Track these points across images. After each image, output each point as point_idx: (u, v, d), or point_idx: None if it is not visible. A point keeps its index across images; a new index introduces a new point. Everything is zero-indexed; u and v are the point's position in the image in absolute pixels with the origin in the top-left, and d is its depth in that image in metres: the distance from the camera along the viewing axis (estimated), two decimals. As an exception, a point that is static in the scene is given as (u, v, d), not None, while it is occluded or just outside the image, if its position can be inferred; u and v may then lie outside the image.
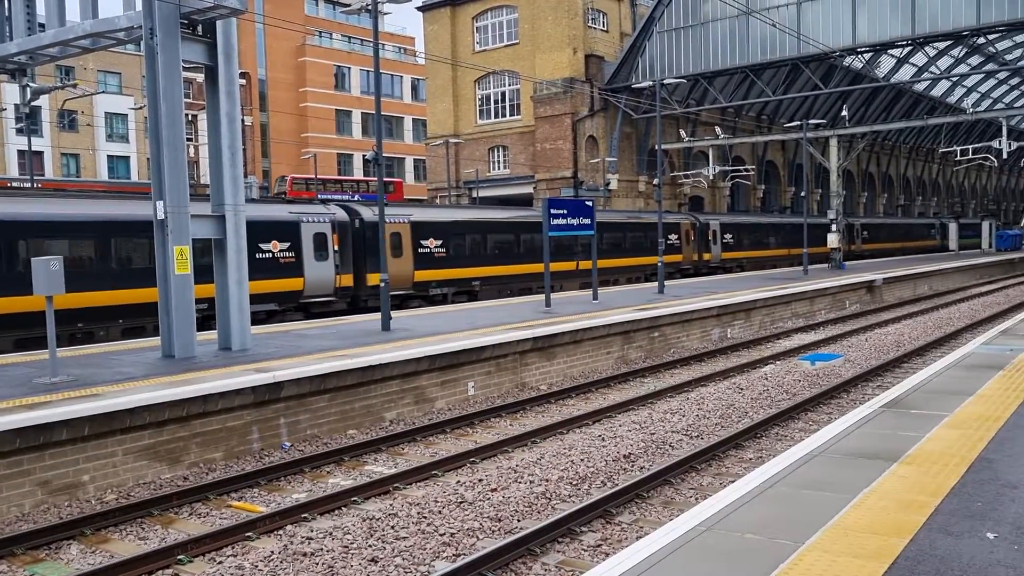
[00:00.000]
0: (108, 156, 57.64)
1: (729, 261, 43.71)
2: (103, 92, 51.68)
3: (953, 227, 67.17)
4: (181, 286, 13.66)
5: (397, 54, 77.53)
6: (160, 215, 13.59)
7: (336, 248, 23.83)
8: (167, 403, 10.57)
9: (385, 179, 47.65)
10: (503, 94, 50.13)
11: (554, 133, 46.06)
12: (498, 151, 50.56)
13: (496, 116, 50.55)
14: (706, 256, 42.00)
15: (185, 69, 14.09)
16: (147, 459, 10.47)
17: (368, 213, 24.85)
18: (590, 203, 22.70)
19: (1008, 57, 56.16)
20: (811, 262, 40.25)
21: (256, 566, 7.55)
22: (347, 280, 24.29)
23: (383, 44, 70.68)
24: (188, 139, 57.50)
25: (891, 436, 7.83)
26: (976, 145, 47.34)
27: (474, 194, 49.42)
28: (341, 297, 24.27)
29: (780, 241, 48.87)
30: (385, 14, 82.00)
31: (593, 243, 24.22)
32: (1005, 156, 43.40)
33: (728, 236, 43.69)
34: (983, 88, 67.59)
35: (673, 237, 38.94)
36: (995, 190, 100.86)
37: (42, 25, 15.84)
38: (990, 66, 56.45)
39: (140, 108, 47.36)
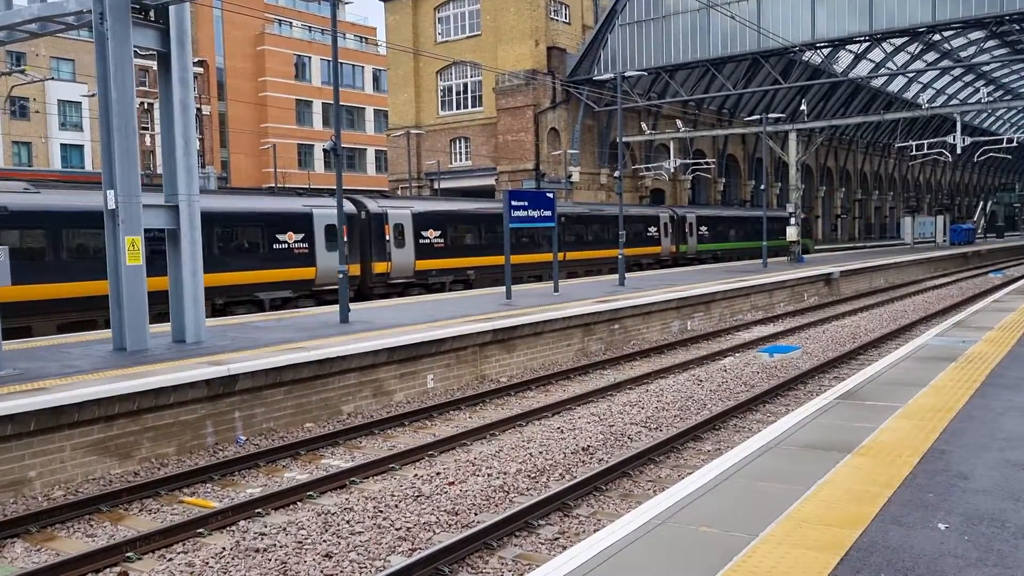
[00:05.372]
0: (61, 144, 56.38)
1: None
2: (53, 79, 50.41)
3: (907, 221, 68.29)
4: (133, 277, 13.35)
5: (358, 44, 76.82)
6: (111, 205, 13.27)
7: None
8: (117, 397, 10.32)
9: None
10: (465, 85, 49.90)
11: (516, 125, 45.96)
12: (460, 143, 50.35)
13: (458, 108, 50.31)
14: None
15: (139, 56, 13.76)
16: (96, 454, 10.22)
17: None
18: (551, 195, 22.65)
19: (962, 54, 57.14)
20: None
21: (207, 563, 7.39)
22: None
23: (344, 34, 70.07)
24: (144, 128, 56.47)
25: (846, 427, 7.89)
26: (931, 140, 48.16)
27: (436, 185, 49.19)
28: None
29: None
30: (346, 3, 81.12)
31: (554, 235, 24.21)
32: (959, 152, 44.14)
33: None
34: (938, 84, 68.74)
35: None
36: (949, 185, 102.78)
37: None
38: (945, 63, 57.44)
39: (93, 96, 46.32)
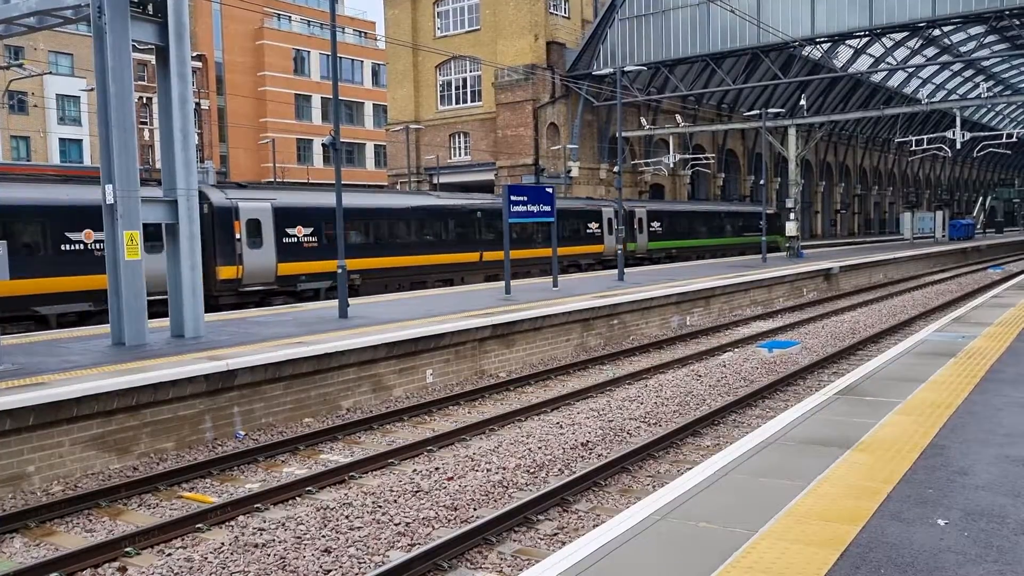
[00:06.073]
0: (60, 139, 56.30)
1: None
2: (51, 73, 50.30)
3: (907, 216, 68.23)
4: (131, 272, 13.34)
5: (357, 38, 76.66)
6: (109, 199, 13.25)
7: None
8: (116, 392, 10.31)
9: None
10: (464, 80, 49.83)
11: (515, 120, 45.91)
12: (459, 137, 50.30)
13: (457, 102, 50.25)
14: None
15: (138, 50, 13.73)
16: (95, 449, 10.21)
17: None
18: (551, 190, 22.63)
19: (962, 49, 57.06)
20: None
21: (206, 558, 7.39)
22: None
23: (343, 28, 69.88)
24: (142, 123, 56.37)
25: (845, 423, 7.88)
26: (931, 136, 48.17)
27: (435, 180, 49.15)
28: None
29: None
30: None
31: (554, 230, 24.18)
32: (959, 147, 44.13)
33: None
34: (938, 79, 68.69)
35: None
36: (949, 181, 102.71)
37: (-15, 2, 15.34)
38: (945, 58, 57.36)
39: (92, 90, 46.24)
